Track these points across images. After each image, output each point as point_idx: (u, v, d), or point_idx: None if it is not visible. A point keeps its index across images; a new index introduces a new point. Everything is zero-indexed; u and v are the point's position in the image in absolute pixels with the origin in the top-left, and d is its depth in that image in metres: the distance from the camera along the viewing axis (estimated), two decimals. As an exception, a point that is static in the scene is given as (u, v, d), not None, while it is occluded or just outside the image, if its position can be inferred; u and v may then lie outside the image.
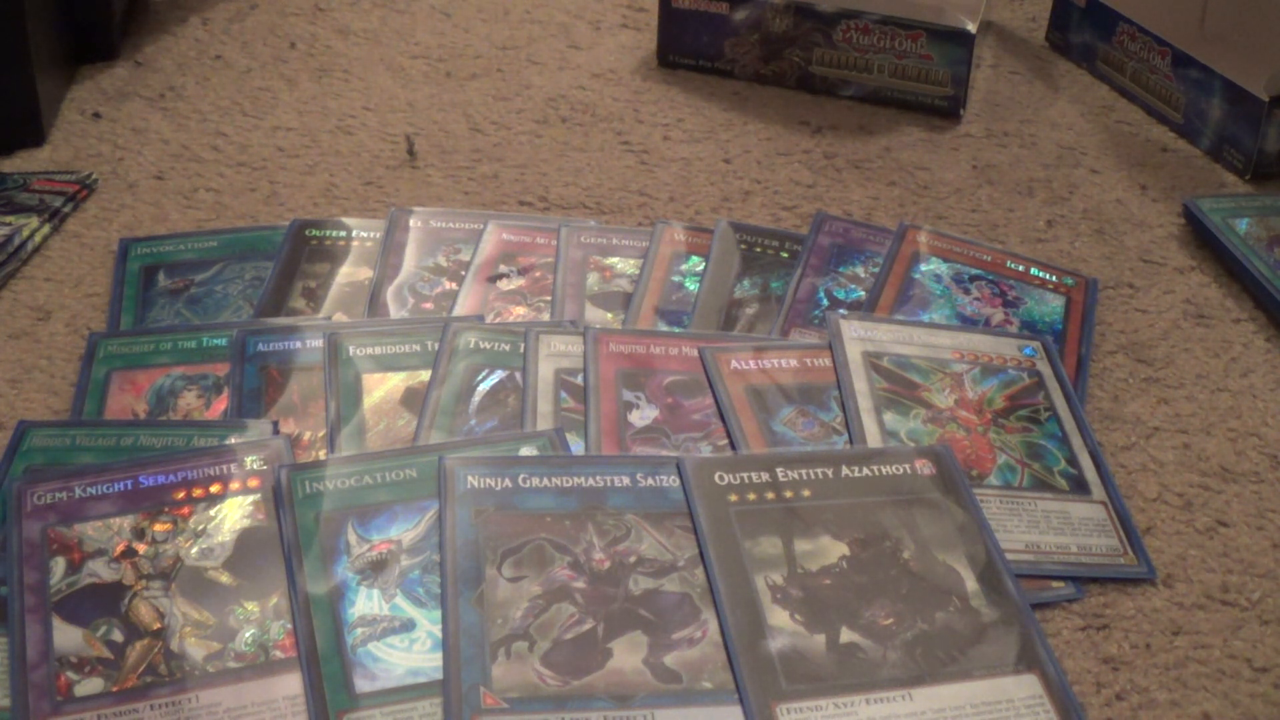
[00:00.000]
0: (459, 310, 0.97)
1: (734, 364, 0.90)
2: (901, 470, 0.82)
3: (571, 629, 0.72)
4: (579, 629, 0.72)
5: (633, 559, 0.76)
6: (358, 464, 0.80)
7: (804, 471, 0.81)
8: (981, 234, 1.09)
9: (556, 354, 0.90)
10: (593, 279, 1.00)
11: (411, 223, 1.05)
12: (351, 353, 0.90)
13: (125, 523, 0.77)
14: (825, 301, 0.99)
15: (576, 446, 0.84)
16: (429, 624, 0.72)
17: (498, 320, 0.96)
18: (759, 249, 1.04)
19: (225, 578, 0.74)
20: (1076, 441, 0.88)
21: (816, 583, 0.75)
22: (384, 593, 0.74)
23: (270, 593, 0.74)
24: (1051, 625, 0.77)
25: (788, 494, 0.80)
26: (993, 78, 1.31)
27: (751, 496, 0.79)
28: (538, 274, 1.00)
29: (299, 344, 0.91)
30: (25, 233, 1.02)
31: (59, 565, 0.74)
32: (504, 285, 0.99)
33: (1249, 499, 0.86)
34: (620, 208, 1.10)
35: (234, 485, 0.79)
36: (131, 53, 1.29)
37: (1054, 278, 1.03)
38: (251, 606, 0.73)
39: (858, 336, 0.92)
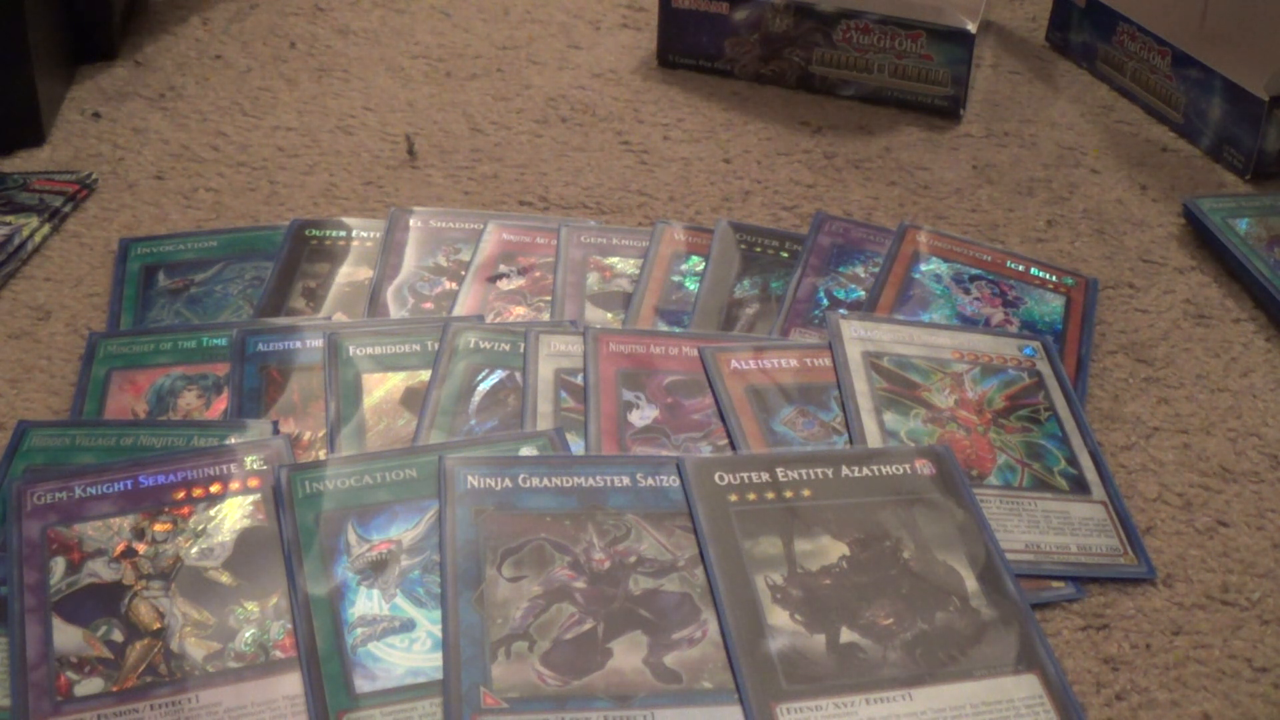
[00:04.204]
0: (459, 310, 0.97)
1: (734, 364, 0.90)
2: (901, 470, 0.82)
3: (571, 629, 0.72)
4: (579, 629, 0.72)
5: (633, 559, 0.76)
6: (358, 464, 0.80)
7: (804, 471, 0.81)
8: (981, 234, 1.09)
9: (556, 354, 0.90)
10: (593, 279, 1.00)
11: (411, 223, 1.05)
12: (351, 353, 0.90)
13: (125, 523, 0.77)
14: (825, 301, 0.98)
15: (576, 446, 0.84)
16: (429, 624, 0.72)
17: (498, 320, 0.96)
18: (759, 249, 1.04)
19: (225, 578, 0.74)
20: (1076, 441, 0.88)
21: (816, 583, 0.75)
22: (384, 593, 0.74)
23: (270, 593, 0.74)
24: (1051, 625, 0.77)
25: (788, 494, 0.80)
26: (993, 78, 1.31)
27: (751, 496, 0.79)
28: (538, 274, 1.00)
29: (299, 344, 0.91)
30: (25, 232, 1.02)
31: (59, 565, 0.74)
32: (504, 285, 0.99)
33: (1249, 499, 0.86)
34: (620, 208, 1.10)
35: (234, 485, 0.79)
36: (131, 53, 1.29)
37: (1054, 278, 1.03)
38: (251, 606, 0.73)
39: (858, 336, 0.92)
